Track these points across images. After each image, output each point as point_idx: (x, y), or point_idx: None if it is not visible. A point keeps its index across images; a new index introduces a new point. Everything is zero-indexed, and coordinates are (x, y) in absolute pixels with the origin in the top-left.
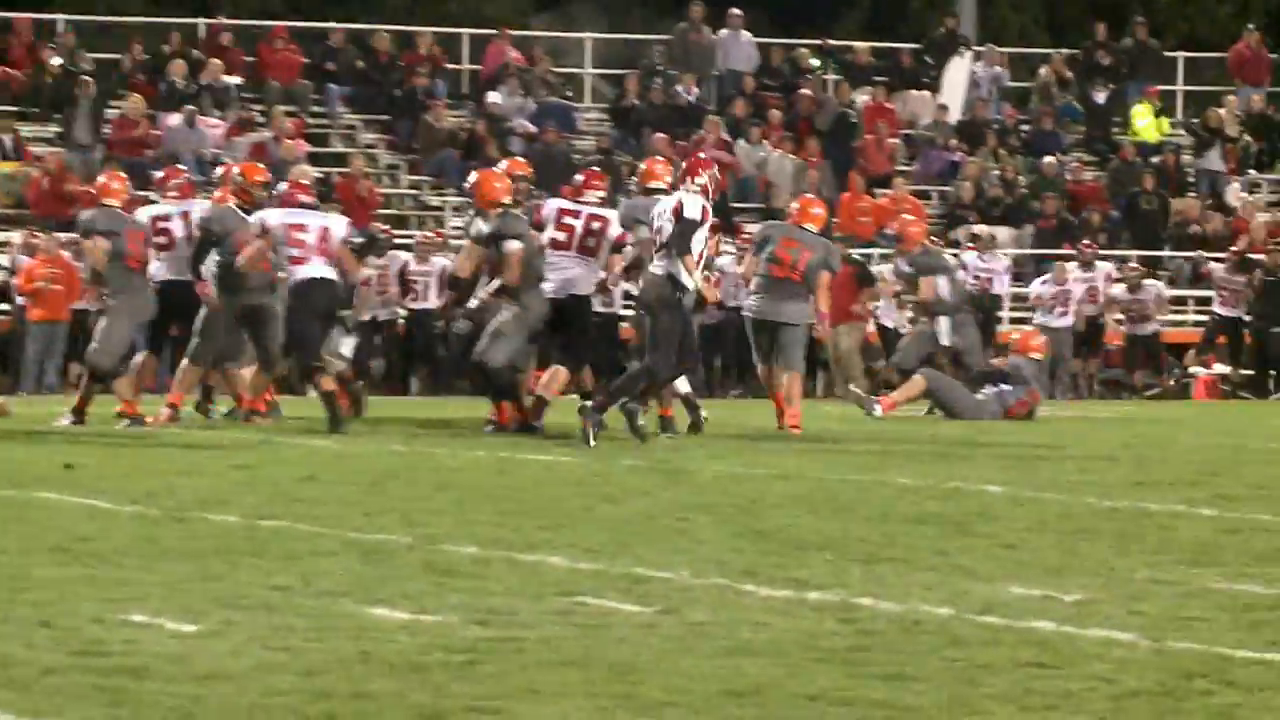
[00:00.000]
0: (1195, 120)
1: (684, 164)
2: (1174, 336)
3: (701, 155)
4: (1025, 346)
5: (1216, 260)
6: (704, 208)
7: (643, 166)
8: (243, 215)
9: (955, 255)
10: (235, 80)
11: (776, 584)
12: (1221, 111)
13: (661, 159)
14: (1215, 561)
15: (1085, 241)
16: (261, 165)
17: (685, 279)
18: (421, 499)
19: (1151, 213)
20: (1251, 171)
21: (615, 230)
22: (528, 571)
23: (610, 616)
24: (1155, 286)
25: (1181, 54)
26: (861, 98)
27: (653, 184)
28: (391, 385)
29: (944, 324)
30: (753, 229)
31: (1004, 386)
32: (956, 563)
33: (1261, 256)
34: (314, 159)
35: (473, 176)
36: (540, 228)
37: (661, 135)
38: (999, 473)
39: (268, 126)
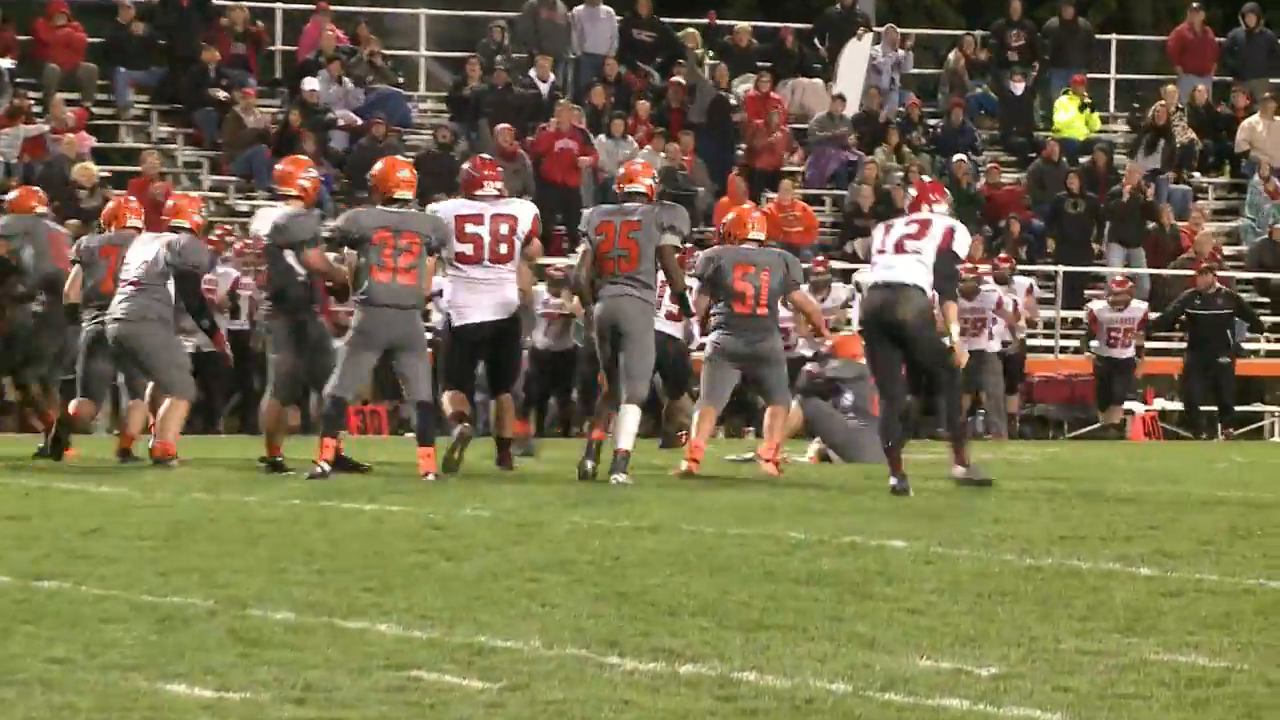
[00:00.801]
0: (1138, 115)
1: (914, 191)
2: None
3: (925, 178)
4: (845, 350)
5: (1100, 296)
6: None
7: (621, 170)
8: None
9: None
10: (7, 63)
11: (643, 655)
12: (1162, 105)
13: (643, 161)
14: (1154, 629)
15: (1002, 255)
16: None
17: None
18: (227, 555)
19: (1079, 219)
20: (1196, 175)
21: (525, 226)
22: (352, 641)
23: (448, 694)
24: (996, 292)
25: (1114, 36)
26: (743, 86)
27: (631, 187)
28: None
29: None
30: None
31: (845, 399)
32: (854, 630)
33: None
34: (99, 155)
35: (378, 165)
36: None
37: (507, 127)
38: (903, 525)
39: (45, 117)
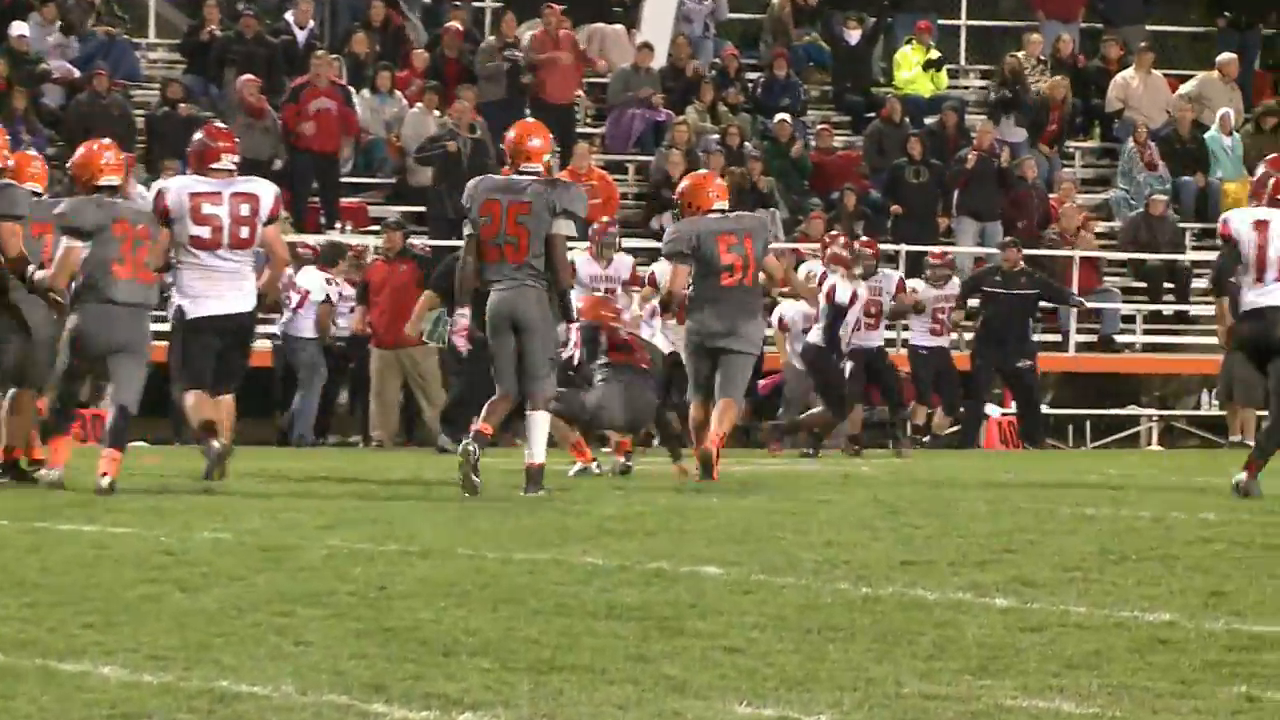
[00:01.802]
0: (992, 69)
1: (1268, 171)
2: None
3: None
4: (593, 314)
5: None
6: None
7: (511, 133)
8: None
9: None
10: None
11: (414, 703)
12: (1021, 55)
13: (534, 123)
14: (1011, 669)
15: (832, 233)
16: None
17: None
18: None
19: (922, 190)
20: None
21: (268, 206)
22: (69, 686)
23: None
24: (897, 274)
25: None
26: (530, 31)
27: (530, 166)
28: None
29: None
30: (385, 212)
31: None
32: (662, 672)
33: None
34: None
35: (79, 151)
36: (167, 220)
37: (251, 79)
38: (718, 549)
39: None
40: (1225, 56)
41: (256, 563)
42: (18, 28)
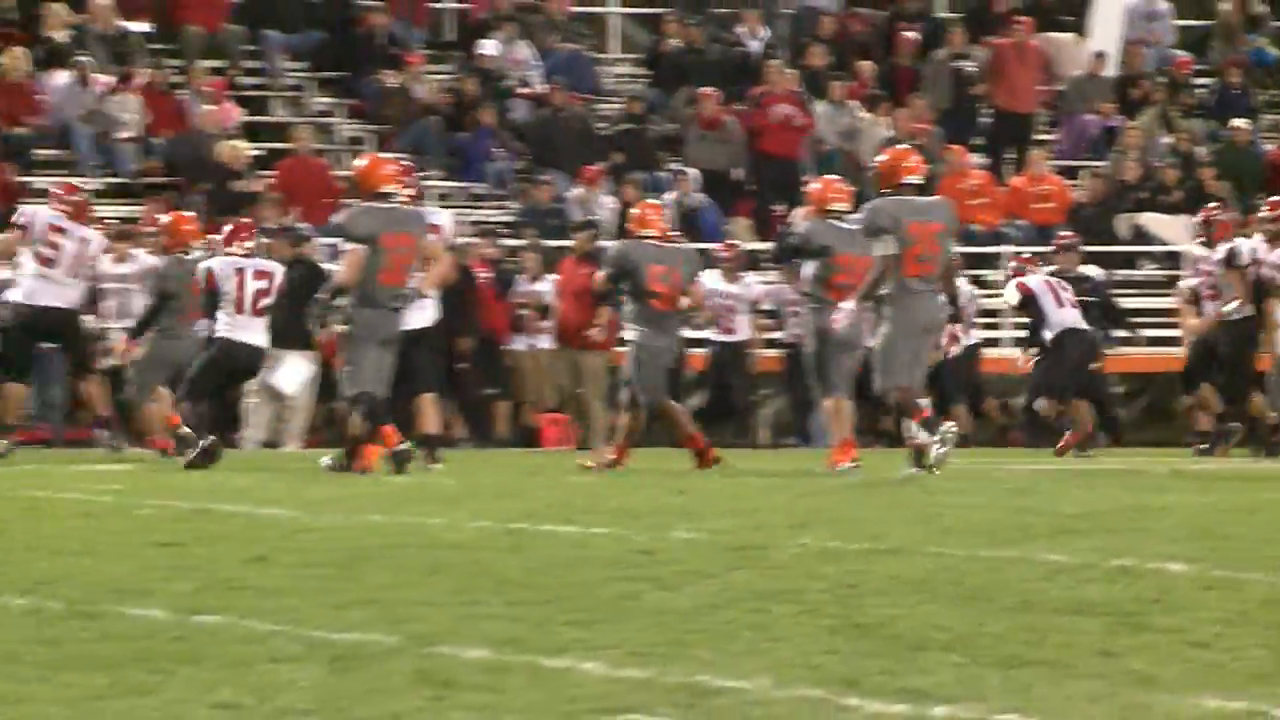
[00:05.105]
0: None
1: None
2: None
3: None
4: None
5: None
6: None
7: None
8: None
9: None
10: (141, 27)
11: (887, 696)
12: None
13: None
14: None
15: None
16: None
17: None
18: (409, 585)
19: None
20: None
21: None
22: (554, 682)
23: None
24: None
25: None
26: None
27: (913, 179)
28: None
29: None
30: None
31: None
32: (1129, 667)
33: None
34: (248, 130)
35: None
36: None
37: (710, 92)
38: (1180, 546)
39: (185, 86)
40: None
41: (729, 561)
42: (485, 45)
